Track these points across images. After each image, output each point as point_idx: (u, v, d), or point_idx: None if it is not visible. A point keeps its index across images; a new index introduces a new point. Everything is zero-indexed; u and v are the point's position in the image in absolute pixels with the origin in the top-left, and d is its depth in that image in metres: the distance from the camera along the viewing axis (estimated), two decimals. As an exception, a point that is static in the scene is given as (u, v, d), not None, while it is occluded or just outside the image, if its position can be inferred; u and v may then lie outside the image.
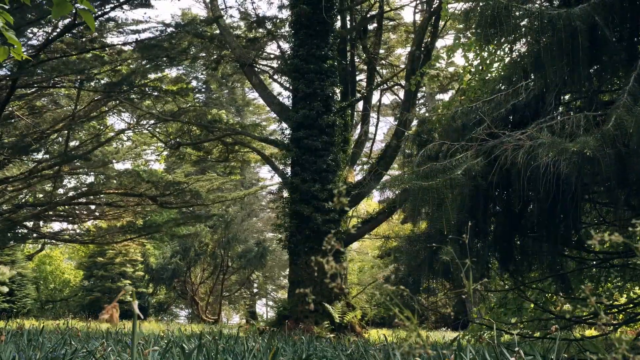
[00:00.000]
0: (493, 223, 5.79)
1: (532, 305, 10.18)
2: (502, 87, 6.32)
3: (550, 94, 5.61)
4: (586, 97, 5.71)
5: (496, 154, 5.14)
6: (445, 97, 35.46)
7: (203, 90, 40.67)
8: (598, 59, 5.67)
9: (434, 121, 6.28)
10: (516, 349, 2.50)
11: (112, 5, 18.41)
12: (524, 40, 6.35)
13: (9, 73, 18.12)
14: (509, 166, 5.02)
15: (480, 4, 6.14)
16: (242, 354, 4.32)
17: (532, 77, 5.97)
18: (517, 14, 5.75)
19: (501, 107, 6.03)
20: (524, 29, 5.52)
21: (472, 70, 12.34)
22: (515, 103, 5.94)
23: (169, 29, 20.18)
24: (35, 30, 19.12)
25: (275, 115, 38.85)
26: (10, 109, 20.60)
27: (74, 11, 17.30)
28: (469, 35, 11.46)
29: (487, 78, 11.59)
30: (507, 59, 11.52)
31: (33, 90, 21.08)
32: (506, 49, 11.72)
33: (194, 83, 36.32)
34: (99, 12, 17.93)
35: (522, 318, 10.62)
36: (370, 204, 41.87)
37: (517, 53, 11.00)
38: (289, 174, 19.43)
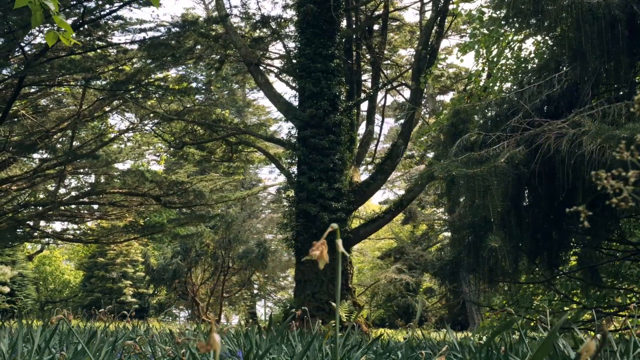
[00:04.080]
0: (534, 212, 5.78)
1: (558, 296, 10.13)
2: (535, 78, 6.32)
3: (586, 83, 5.62)
4: (625, 87, 5.73)
5: (538, 143, 5.14)
6: (446, 98, 35.55)
7: (203, 90, 40.59)
8: (636, 49, 5.68)
9: (468, 112, 6.27)
10: (597, 327, 2.48)
11: (119, 4, 18.36)
12: (556, 29, 6.36)
13: (15, 72, 18.05)
14: (552, 155, 5.02)
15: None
16: (304, 340, 4.29)
17: (567, 67, 5.97)
18: (552, 6, 5.76)
19: (535, 98, 6.03)
20: (565, 15, 5.52)
21: (486, 68, 12.38)
22: (549, 94, 5.95)
23: (175, 29, 20.16)
24: (40, 27, 19.01)
25: (276, 115, 38.69)
26: (15, 107, 20.50)
27: (82, 10, 17.29)
28: (485, 31, 11.47)
29: (498, 76, 11.65)
30: (515, 56, 11.58)
31: (38, 89, 20.99)
32: (515, 47, 11.77)
33: (194, 84, 36.25)
34: (107, 11, 17.86)
35: (533, 316, 10.60)
36: (369, 205, 41.89)
37: (526, 50, 11.05)
38: (295, 173, 19.41)
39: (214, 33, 21.93)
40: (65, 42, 4.41)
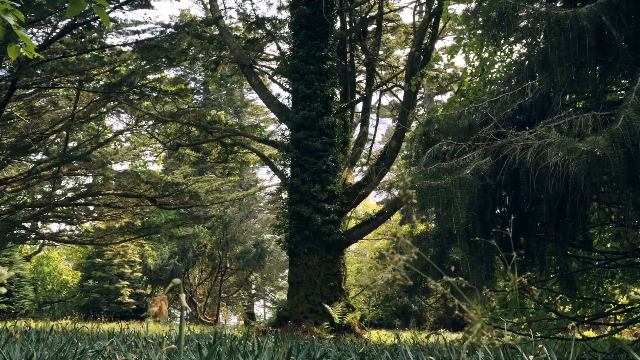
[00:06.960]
0: (500, 223, 5.80)
1: (533, 306, 10.19)
2: (507, 87, 6.33)
3: (557, 94, 5.62)
4: (593, 97, 5.73)
5: (504, 154, 5.15)
6: (444, 98, 35.53)
7: (201, 91, 40.69)
8: (605, 59, 5.69)
9: (441, 121, 6.29)
10: (539, 345, 2.51)
11: (112, 6, 18.39)
12: (526, 40, 6.36)
13: (8, 74, 18.08)
14: (517, 166, 5.03)
15: (484, 4, 6.15)
16: (254, 352, 4.33)
17: (538, 77, 5.98)
18: (523, 13, 5.77)
19: (507, 107, 6.04)
20: (531, 28, 5.52)
21: (473, 71, 12.37)
22: (521, 103, 5.96)
23: (169, 30, 20.15)
24: (34, 30, 19.06)
25: (273, 116, 38.88)
26: (9, 109, 20.54)
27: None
28: (471, 36, 11.47)
29: (487, 79, 11.61)
30: (507, 60, 11.55)
31: (32, 90, 21.02)
32: (507, 50, 11.75)
33: (192, 84, 36.32)
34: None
35: (523, 319, 10.61)
36: (368, 205, 41.90)
37: (519, 53, 11.04)
38: (289, 175, 19.42)
39: (208, 34, 21.91)
40: (27, 54, 4.44)
